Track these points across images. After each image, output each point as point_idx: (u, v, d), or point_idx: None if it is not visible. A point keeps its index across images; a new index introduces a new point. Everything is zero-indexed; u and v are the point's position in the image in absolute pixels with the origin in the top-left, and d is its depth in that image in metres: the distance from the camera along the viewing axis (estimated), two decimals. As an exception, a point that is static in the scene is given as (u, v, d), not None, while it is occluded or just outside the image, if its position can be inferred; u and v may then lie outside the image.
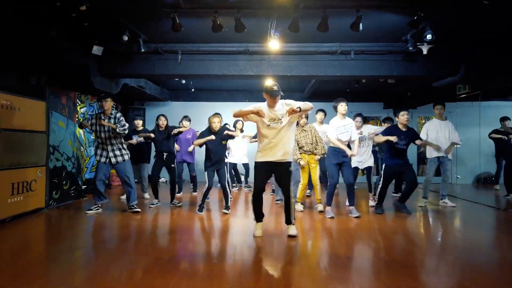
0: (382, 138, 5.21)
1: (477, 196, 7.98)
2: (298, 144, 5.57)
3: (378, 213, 5.40)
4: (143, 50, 5.51)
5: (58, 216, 5.40)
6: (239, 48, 5.95)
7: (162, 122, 5.98)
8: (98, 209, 5.50)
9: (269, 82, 3.93)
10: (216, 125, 5.26)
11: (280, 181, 4.10)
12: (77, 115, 7.02)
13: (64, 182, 6.41)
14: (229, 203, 5.45)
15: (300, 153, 5.55)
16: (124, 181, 5.47)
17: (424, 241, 4.13)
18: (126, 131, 5.36)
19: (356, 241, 4.00)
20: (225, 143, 5.38)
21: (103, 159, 5.36)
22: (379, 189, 5.52)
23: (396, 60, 6.05)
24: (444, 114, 6.26)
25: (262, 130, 3.95)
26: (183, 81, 8.31)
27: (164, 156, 5.93)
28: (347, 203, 5.35)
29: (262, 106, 3.95)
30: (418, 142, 5.41)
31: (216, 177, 5.32)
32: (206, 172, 5.25)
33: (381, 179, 5.51)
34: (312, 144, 5.55)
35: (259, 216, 4.14)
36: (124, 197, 6.41)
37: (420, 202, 6.14)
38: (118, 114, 5.40)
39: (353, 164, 5.75)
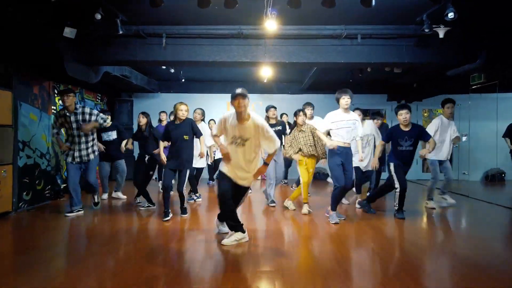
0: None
1: (488, 194, 7.40)
2: (294, 146, 5.04)
3: (400, 218, 4.70)
4: (121, 32, 4.81)
5: (28, 220, 4.76)
6: (232, 31, 5.27)
7: (140, 120, 5.53)
8: (79, 210, 4.93)
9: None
10: (183, 114, 4.70)
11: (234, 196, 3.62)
12: (54, 108, 6.34)
13: (37, 182, 5.74)
14: (185, 205, 4.93)
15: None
16: (87, 182, 5.04)
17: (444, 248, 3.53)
18: (108, 122, 5.09)
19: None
20: (187, 138, 4.67)
21: (69, 159, 4.87)
22: (398, 194, 4.74)
23: (408, 45, 5.39)
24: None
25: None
26: (172, 70, 7.61)
27: (146, 159, 5.48)
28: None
29: (228, 117, 3.49)
30: (422, 152, 4.70)
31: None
32: (163, 170, 4.77)
33: (396, 182, 4.72)
34: (311, 146, 4.97)
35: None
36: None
37: (429, 203, 5.53)
38: (87, 109, 4.88)
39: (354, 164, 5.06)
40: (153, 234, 4.07)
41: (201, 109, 6.13)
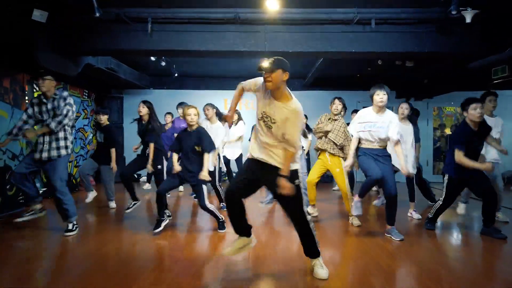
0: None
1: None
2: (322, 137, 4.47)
3: (430, 228, 4.11)
4: (97, 15, 4.14)
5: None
6: (227, 15, 4.59)
7: (140, 110, 4.62)
8: (33, 214, 4.03)
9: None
10: (192, 119, 3.86)
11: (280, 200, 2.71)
12: (27, 102, 5.65)
13: (8, 187, 5.08)
14: (220, 217, 4.03)
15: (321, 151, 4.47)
16: (53, 186, 3.79)
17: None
18: (60, 126, 3.79)
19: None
20: (199, 149, 3.89)
21: (37, 155, 3.82)
22: (437, 208, 4.06)
23: (428, 32, 4.72)
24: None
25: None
26: (163, 63, 6.94)
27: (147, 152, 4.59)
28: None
29: (262, 85, 2.60)
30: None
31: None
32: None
33: (444, 190, 3.97)
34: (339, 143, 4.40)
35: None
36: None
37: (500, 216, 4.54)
38: (61, 103, 3.84)
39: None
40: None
41: (211, 104, 5.22)
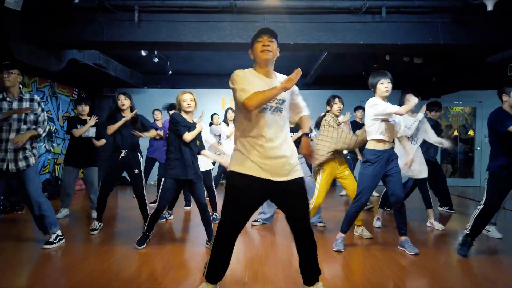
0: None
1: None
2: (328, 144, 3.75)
3: (462, 254, 3.24)
4: (76, 1, 3.71)
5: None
6: (223, 2, 4.16)
7: (122, 102, 3.93)
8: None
9: None
10: (189, 104, 3.32)
11: (289, 211, 2.19)
12: None
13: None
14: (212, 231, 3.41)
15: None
16: (28, 197, 3.31)
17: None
18: (44, 133, 3.49)
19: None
20: (199, 143, 3.45)
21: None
22: (476, 215, 3.24)
23: (444, 22, 4.29)
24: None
25: (251, 117, 2.08)
26: (156, 59, 6.50)
27: (123, 154, 3.91)
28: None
29: (248, 73, 2.11)
30: None
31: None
32: (163, 181, 3.31)
33: (485, 196, 3.24)
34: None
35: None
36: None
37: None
38: (37, 97, 3.46)
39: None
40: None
41: (232, 108, 5.05)
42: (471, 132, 9.57)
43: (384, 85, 3.16)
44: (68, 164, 4.65)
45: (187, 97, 3.33)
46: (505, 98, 3.22)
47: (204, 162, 4.30)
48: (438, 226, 4.25)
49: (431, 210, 4.32)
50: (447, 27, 4.31)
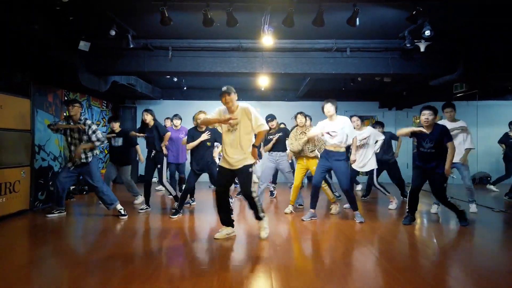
0: (405, 130, 4.60)
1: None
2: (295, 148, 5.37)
3: (405, 224, 4.72)
4: (131, 46, 5.30)
5: (43, 219, 5.16)
6: (232, 44, 5.77)
7: (144, 118, 5.58)
8: (61, 212, 5.21)
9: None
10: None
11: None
12: (65, 113, 6.78)
13: (50, 183, 6.17)
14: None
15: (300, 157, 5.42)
16: (90, 185, 5.11)
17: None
18: (103, 143, 5.05)
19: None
20: (210, 145, 5.11)
21: (69, 164, 5.06)
22: (408, 198, 4.84)
23: (393, 58, 5.90)
24: (444, 116, 5.72)
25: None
26: (175, 79, 8.10)
27: (152, 154, 5.59)
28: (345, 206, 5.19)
29: (223, 110, 3.97)
30: (446, 170, 4.35)
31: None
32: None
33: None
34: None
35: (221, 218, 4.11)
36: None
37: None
38: (88, 122, 5.01)
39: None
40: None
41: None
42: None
43: (326, 109, 4.94)
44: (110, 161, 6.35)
45: (201, 116, 4.97)
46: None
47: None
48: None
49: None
50: (396, 61, 5.92)
